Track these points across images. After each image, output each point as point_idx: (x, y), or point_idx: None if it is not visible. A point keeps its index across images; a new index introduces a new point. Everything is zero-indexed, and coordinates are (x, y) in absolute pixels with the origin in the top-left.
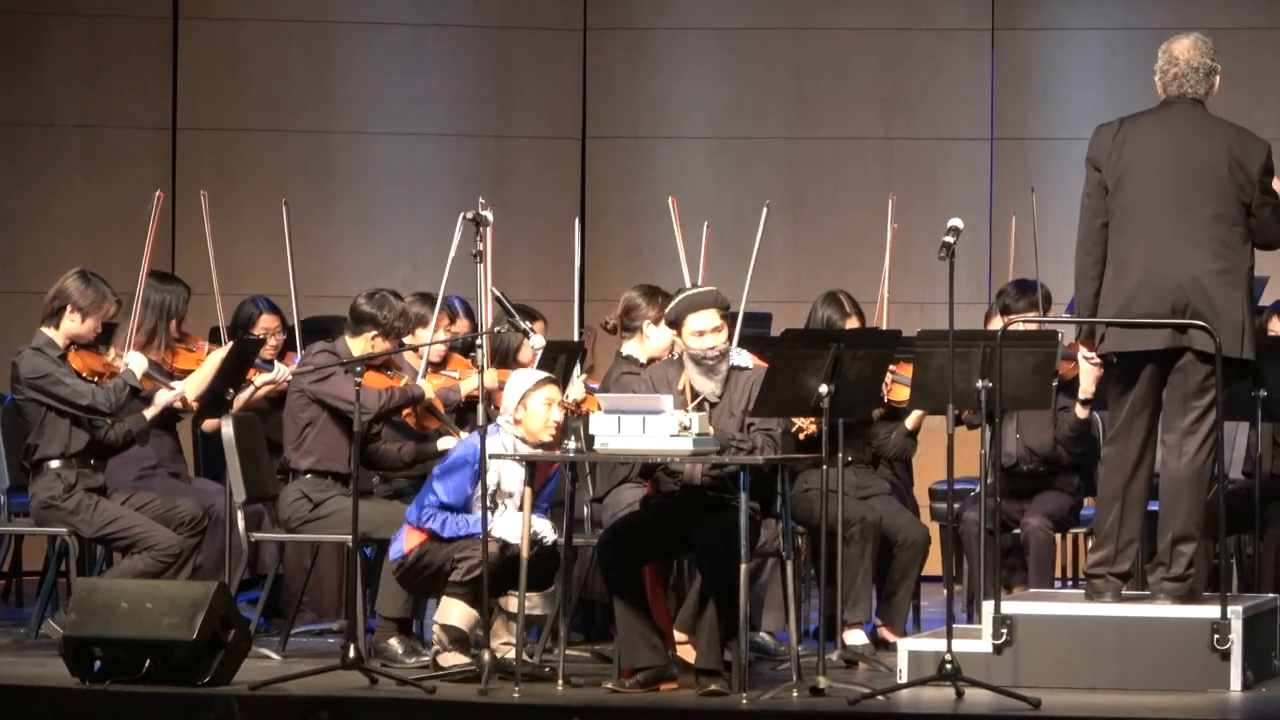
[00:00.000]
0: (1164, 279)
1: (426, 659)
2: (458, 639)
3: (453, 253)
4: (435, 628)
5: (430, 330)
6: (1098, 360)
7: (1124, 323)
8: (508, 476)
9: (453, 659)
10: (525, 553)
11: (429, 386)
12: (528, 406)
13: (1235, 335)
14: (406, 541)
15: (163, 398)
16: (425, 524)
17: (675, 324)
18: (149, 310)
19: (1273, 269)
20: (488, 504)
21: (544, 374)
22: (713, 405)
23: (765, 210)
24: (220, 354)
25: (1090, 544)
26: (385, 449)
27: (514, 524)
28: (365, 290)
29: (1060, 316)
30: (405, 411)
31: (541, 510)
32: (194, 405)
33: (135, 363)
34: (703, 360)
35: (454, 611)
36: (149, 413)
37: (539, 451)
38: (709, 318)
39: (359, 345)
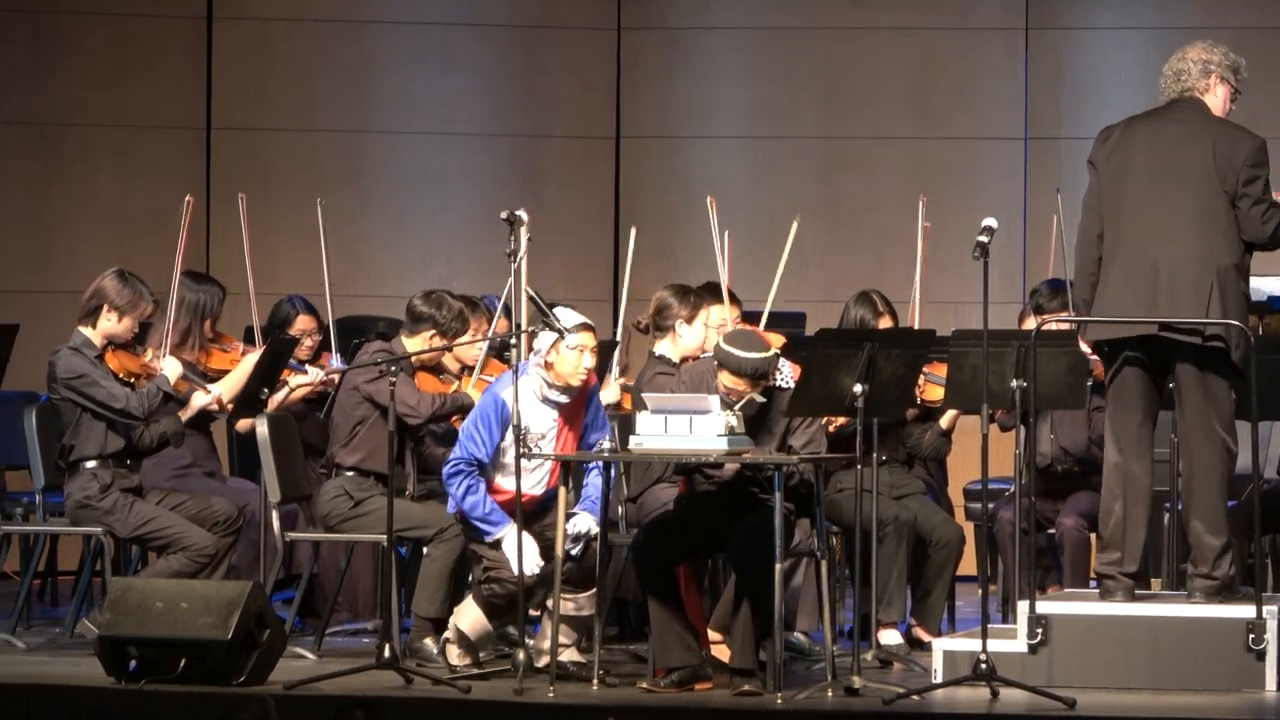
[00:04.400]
0: (1140, 267)
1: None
2: (465, 645)
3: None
4: (450, 621)
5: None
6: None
7: (1157, 321)
8: (535, 419)
9: (458, 657)
10: (560, 548)
11: (477, 394)
12: (559, 352)
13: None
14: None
15: (198, 400)
16: (453, 488)
17: (720, 365)
18: (183, 310)
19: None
20: (520, 450)
21: (582, 319)
22: (749, 405)
23: (795, 225)
24: (254, 356)
25: (1098, 544)
26: (431, 452)
27: (528, 553)
28: (420, 291)
29: (1091, 316)
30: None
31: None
32: (229, 407)
33: (170, 368)
34: (728, 398)
35: (467, 616)
36: (184, 415)
37: (573, 452)
38: (740, 383)
39: (415, 345)
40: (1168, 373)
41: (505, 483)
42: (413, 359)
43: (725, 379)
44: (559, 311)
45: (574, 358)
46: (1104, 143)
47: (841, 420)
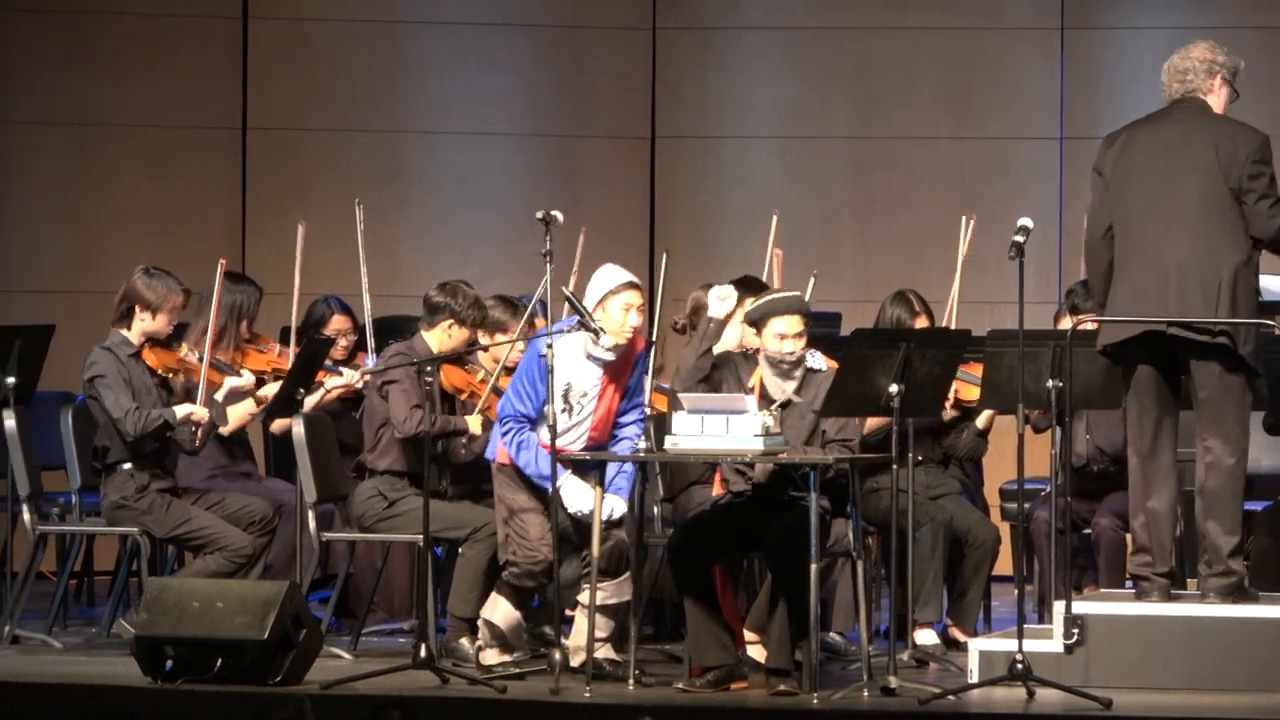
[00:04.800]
0: (1152, 268)
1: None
2: (498, 638)
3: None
4: (480, 621)
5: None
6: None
7: (1183, 321)
8: (579, 377)
9: (495, 656)
10: (596, 550)
11: (475, 423)
12: (606, 308)
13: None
14: (498, 454)
15: (235, 395)
16: (506, 441)
17: (757, 324)
18: (220, 310)
19: None
20: (559, 408)
21: (630, 277)
22: (785, 405)
23: (775, 218)
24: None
25: (1132, 546)
26: (454, 446)
27: (582, 493)
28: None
29: (1126, 317)
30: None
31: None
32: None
33: (187, 412)
34: (779, 364)
35: (499, 610)
36: (230, 429)
37: (605, 452)
38: (792, 323)
39: (435, 338)
40: (1182, 372)
41: (546, 436)
42: (436, 352)
43: (778, 328)
44: (607, 268)
45: (620, 315)
46: (1108, 149)
47: (876, 422)
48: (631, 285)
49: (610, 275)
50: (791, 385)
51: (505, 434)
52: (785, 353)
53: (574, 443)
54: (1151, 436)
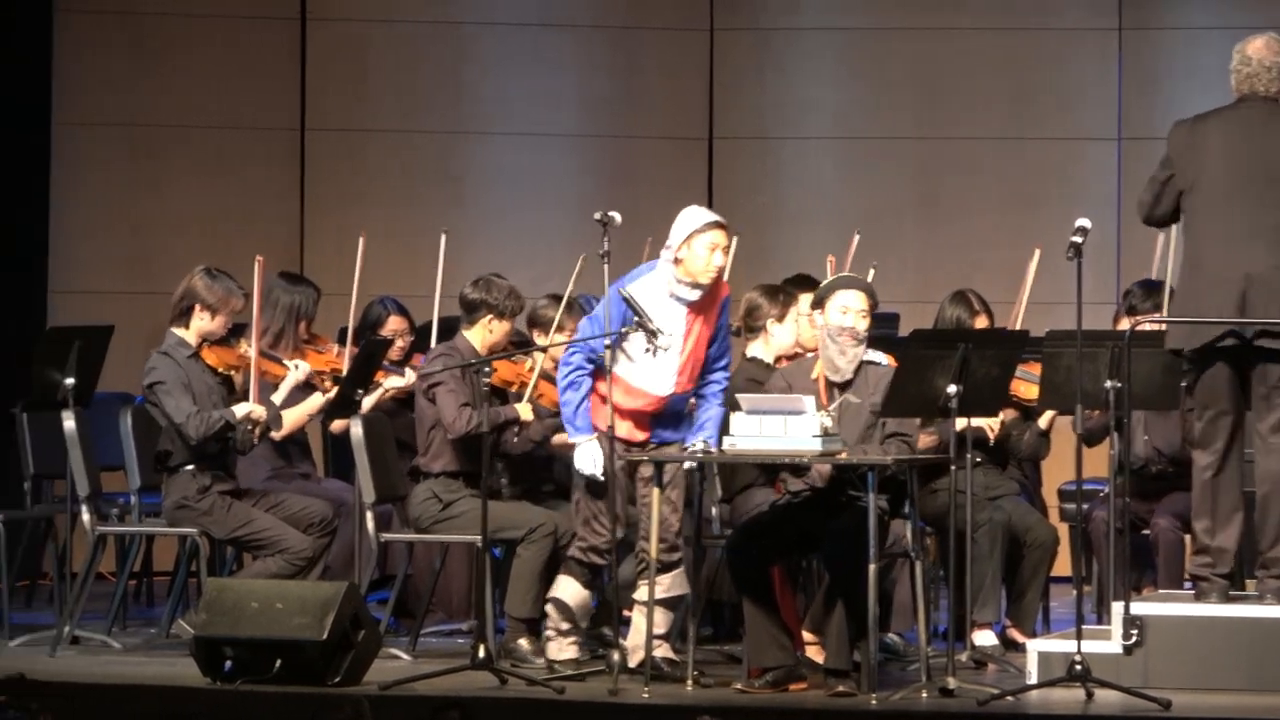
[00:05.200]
0: (1229, 274)
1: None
2: (568, 617)
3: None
4: (548, 607)
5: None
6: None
7: (1246, 323)
8: (662, 317)
9: (562, 648)
10: (654, 551)
11: (526, 410)
12: (692, 246)
13: None
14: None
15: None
16: (562, 375)
17: (821, 301)
18: (278, 312)
19: None
20: (642, 348)
21: (716, 216)
22: (843, 385)
23: (856, 238)
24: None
25: (1192, 545)
26: (507, 437)
27: (592, 457)
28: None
29: (1185, 317)
30: (538, 393)
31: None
32: (327, 386)
33: (247, 410)
34: (839, 337)
35: (568, 589)
36: (287, 430)
37: (669, 453)
38: (858, 298)
39: (477, 335)
40: (1250, 377)
41: (631, 378)
42: (480, 349)
43: (842, 301)
44: (693, 208)
45: (705, 254)
46: (1180, 140)
47: (927, 441)
48: (718, 225)
49: (696, 215)
50: (846, 364)
51: (567, 363)
52: (846, 326)
53: (658, 386)
54: (1226, 438)
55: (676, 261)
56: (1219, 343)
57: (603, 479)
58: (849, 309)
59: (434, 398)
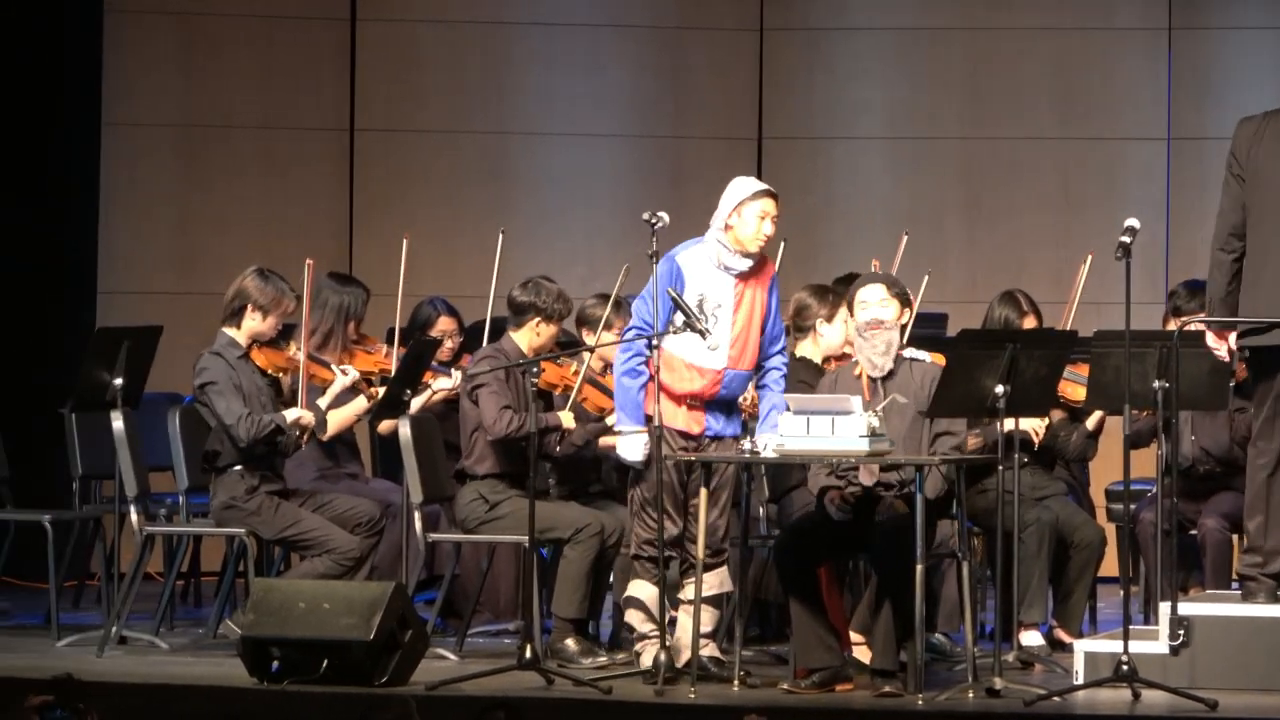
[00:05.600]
0: None
1: (604, 659)
2: (651, 620)
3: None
4: (628, 614)
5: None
6: (1229, 349)
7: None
8: (712, 288)
9: (650, 653)
10: (701, 552)
11: (568, 418)
12: (742, 214)
13: None
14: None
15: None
16: (621, 359)
17: (851, 306)
18: (327, 312)
19: None
20: (698, 322)
21: (765, 185)
22: (885, 379)
23: (904, 239)
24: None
25: (1243, 545)
26: (549, 442)
27: (636, 446)
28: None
29: (1212, 309)
30: (582, 396)
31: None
32: (373, 392)
33: (296, 416)
34: (865, 331)
35: (640, 589)
36: (334, 430)
37: (715, 453)
38: (873, 291)
39: (524, 337)
40: None
41: (685, 354)
42: (527, 351)
43: (861, 297)
44: (742, 178)
45: (755, 223)
46: (1244, 134)
47: (975, 444)
48: (768, 193)
49: (746, 184)
50: (879, 357)
51: (627, 347)
52: (870, 319)
53: (712, 360)
54: None
55: (726, 228)
56: None
57: (645, 466)
58: (868, 303)
59: (476, 399)
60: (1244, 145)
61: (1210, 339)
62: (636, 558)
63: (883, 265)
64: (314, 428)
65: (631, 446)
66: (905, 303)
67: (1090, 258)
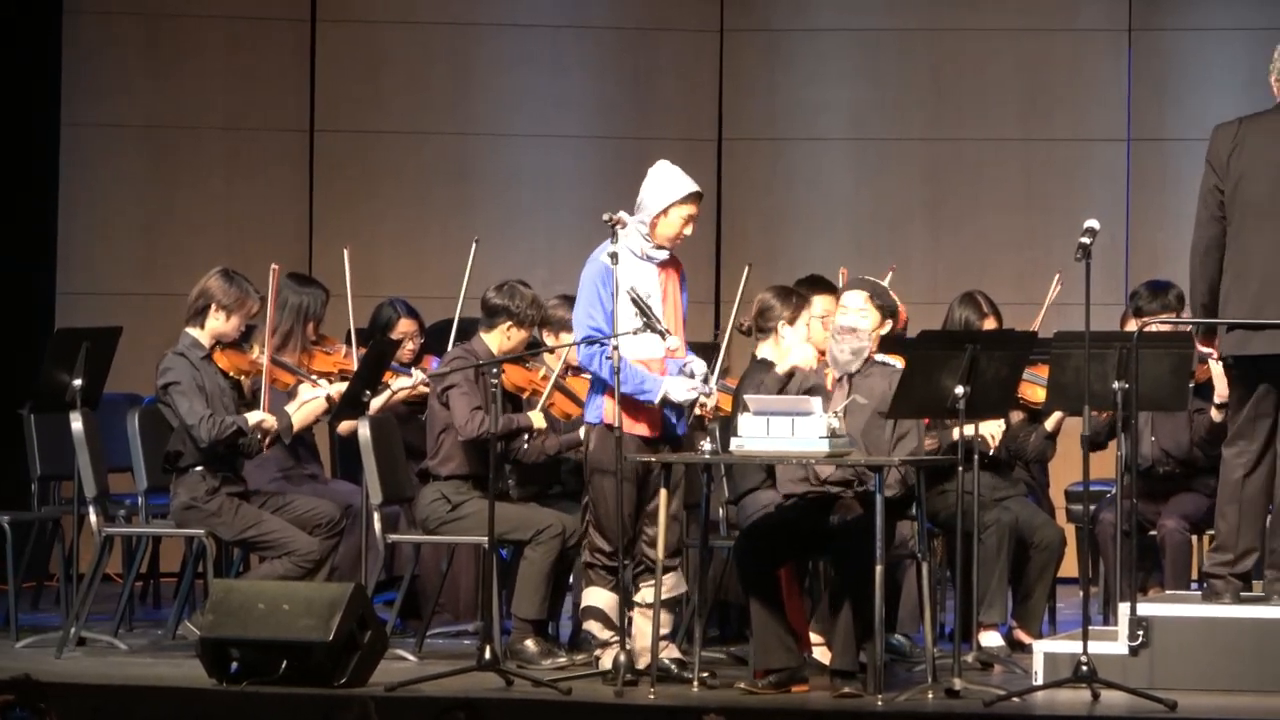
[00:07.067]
0: (1273, 281)
1: (563, 660)
2: (609, 627)
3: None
4: (586, 623)
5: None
6: (1216, 356)
7: (1254, 324)
8: (640, 277)
9: (610, 656)
10: (661, 554)
11: (538, 419)
12: (669, 215)
13: None
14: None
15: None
16: (596, 367)
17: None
18: (285, 313)
19: None
20: (657, 323)
21: (695, 187)
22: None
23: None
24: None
25: (1210, 545)
26: (519, 445)
27: (683, 384)
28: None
29: (1194, 318)
30: (550, 401)
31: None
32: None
33: (259, 419)
34: (836, 334)
35: (596, 596)
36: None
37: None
38: (856, 298)
39: (495, 339)
40: None
41: (637, 353)
42: (496, 354)
43: (842, 303)
44: (669, 170)
45: (678, 226)
46: (1223, 143)
47: (931, 444)
48: (697, 197)
49: (676, 184)
50: (845, 358)
51: (591, 358)
52: (846, 325)
53: (655, 349)
54: (1264, 439)
55: (651, 225)
56: (1273, 350)
57: (697, 395)
58: (847, 309)
59: (447, 400)
60: (1222, 154)
61: (1200, 346)
62: (590, 566)
63: (849, 275)
64: (279, 432)
65: (677, 388)
66: (888, 314)
67: (1058, 277)
